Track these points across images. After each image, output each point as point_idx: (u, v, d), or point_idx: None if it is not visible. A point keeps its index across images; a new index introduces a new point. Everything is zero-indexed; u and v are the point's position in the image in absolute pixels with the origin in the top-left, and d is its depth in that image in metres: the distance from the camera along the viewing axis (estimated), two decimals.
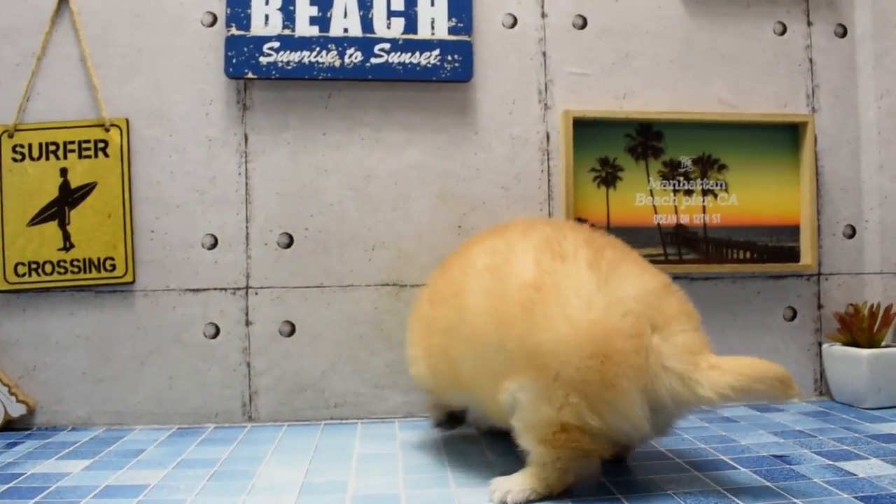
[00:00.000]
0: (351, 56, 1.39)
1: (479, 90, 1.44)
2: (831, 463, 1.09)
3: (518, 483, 0.95)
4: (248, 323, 1.39)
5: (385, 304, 1.40)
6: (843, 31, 1.56)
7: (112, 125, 1.37)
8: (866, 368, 1.40)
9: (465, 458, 1.15)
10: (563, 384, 0.90)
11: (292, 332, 1.39)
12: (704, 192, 1.48)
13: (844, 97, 1.55)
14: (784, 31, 1.53)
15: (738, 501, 0.93)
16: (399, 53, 1.40)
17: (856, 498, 0.94)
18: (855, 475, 1.03)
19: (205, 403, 1.38)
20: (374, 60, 1.39)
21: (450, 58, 1.40)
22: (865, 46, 1.56)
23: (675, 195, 1.47)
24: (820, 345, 1.52)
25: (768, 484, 1.00)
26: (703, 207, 1.48)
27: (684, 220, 1.47)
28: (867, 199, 1.55)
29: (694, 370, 0.88)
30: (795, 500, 0.93)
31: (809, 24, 1.54)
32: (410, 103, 1.42)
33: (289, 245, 1.40)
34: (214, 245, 1.38)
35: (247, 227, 1.39)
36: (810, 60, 1.54)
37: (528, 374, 0.92)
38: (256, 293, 1.39)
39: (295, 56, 1.38)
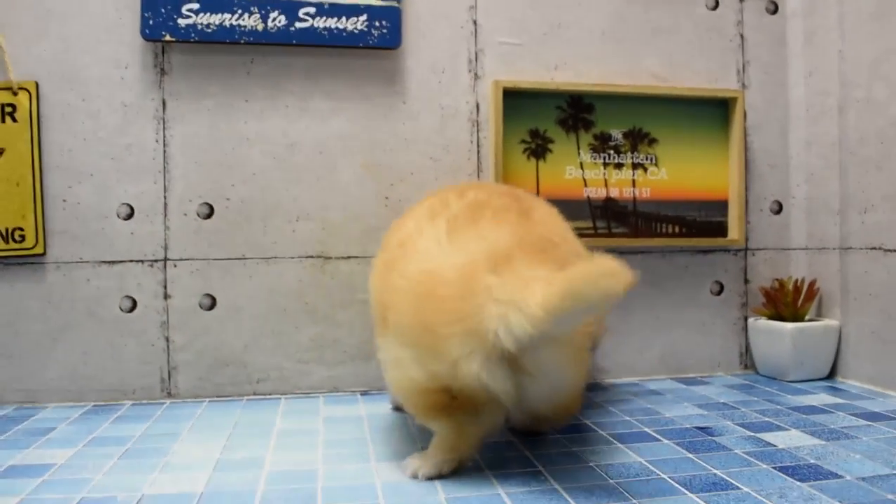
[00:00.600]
0: (274, 20, 1.34)
1: (408, 58, 1.40)
2: (752, 434, 1.09)
3: (428, 457, 0.93)
4: (166, 296, 1.34)
5: (309, 277, 1.37)
6: (774, 8, 1.56)
7: (20, 88, 1.30)
8: (789, 342, 1.41)
9: (390, 433, 1.12)
10: (398, 338, 0.90)
11: (213, 305, 1.35)
12: (634, 166, 1.47)
13: (774, 74, 1.55)
14: (716, 7, 1.52)
15: (659, 472, 0.92)
16: (325, 18, 1.35)
17: (774, 468, 0.94)
18: (775, 446, 1.03)
19: (121, 380, 1.33)
20: (298, 25, 1.34)
21: (378, 24, 1.36)
22: (796, 24, 1.56)
23: (605, 168, 1.46)
24: (746, 319, 1.53)
25: (690, 455, 0.99)
26: (633, 181, 1.47)
27: (614, 193, 1.46)
28: (794, 175, 1.56)
29: (523, 292, 0.79)
30: (716, 471, 0.93)
31: (741, 0, 1.54)
32: (337, 70, 1.38)
33: (209, 216, 1.35)
34: (131, 215, 1.33)
35: (165, 197, 1.34)
36: (741, 36, 1.54)
37: (378, 332, 0.95)
38: (175, 265, 1.34)
39: (215, 18, 1.33)
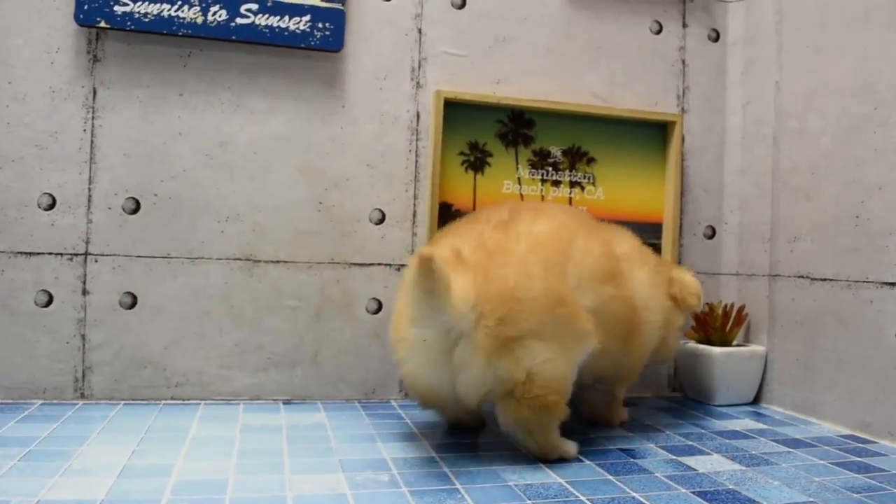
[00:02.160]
0: (215, 14, 1.31)
1: (350, 62, 1.38)
2: (674, 458, 1.09)
3: None
4: (85, 292, 1.29)
5: (236, 280, 1.33)
6: (716, 36, 1.58)
7: None
8: (717, 366, 1.42)
9: (308, 444, 1.09)
10: None
11: (134, 304, 1.30)
12: (572, 184, 1.47)
13: (713, 100, 1.57)
14: (660, 31, 1.54)
15: (577, 493, 0.91)
16: (267, 16, 1.32)
17: (693, 493, 0.93)
18: (695, 470, 1.03)
19: (32, 377, 1.27)
20: (239, 20, 1.31)
21: (321, 25, 1.34)
22: (736, 53, 1.58)
23: (542, 185, 1.45)
24: None
25: (610, 477, 0.98)
26: (570, 199, 1.46)
27: None
28: (728, 201, 1.58)
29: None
30: (634, 494, 0.92)
31: (685, 25, 1.56)
32: (276, 69, 1.35)
33: (135, 211, 1.30)
34: (52, 206, 1.27)
35: (89, 189, 1.29)
36: (683, 62, 1.55)
37: None
38: (96, 260, 1.29)
39: (154, 8, 1.29)
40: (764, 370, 1.47)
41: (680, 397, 1.53)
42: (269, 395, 1.34)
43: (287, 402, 1.34)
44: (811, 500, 0.92)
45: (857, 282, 1.27)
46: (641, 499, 0.90)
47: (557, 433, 1.05)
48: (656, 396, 1.52)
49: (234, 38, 1.31)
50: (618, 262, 1.15)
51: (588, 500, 0.89)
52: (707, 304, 1.50)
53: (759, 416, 1.38)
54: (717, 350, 1.42)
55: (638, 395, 1.51)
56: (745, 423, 1.31)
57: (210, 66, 1.33)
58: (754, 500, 0.91)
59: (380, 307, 1.38)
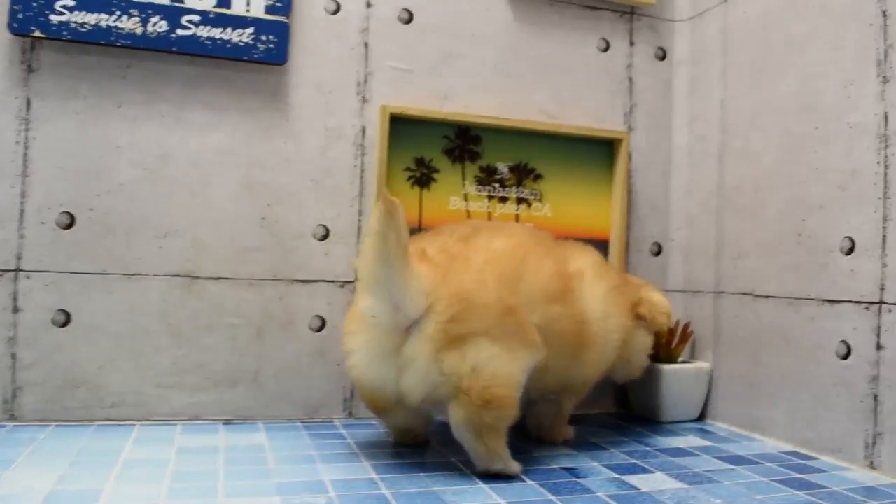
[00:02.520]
0: (155, 24, 1.28)
1: (294, 75, 1.36)
2: (618, 476, 1.08)
3: None
4: (15, 310, 1.24)
5: (175, 297, 1.29)
6: (662, 55, 1.59)
7: None
8: (663, 383, 1.42)
9: (245, 466, 1.06)
10: None
11: (67, 322, 1.26)
12: (519, 201, 1.46)
13: (660, 119, 1.58)
14: (607, 48, 1.54)
15: None
16: (209, 27, 1.30)
17: None
18: (638, 489, 1.02)
19: None
20: (180, 32, 1.29)
21: (264, 38, 1.32)
22: (682, 72, 1.60)
23: (489, 201, 1.44)
24: None
25: (552, 497, 0.97)
26: (517, 216, 1.46)
27: None
28: (674, 219, 1.58)
29: None
30: None
31: (632, 43, 1.56)
32: (218, 82, 1.32)
33: (69, 226, 1.26)
34: None
35: (21, 203, 1.25)
36: (630, 80, 1.56)
37: None
38: (28, 277, 1.25)
39: (91, 18, 1.26)
40: (709, 387, 1.47)
41: (626, 414, 1.52)
42: (208, 415, 1.31)
43: (227, 423, 1.31)
44: None
45: (798, 299, 1.28)
46: None
47: (504, 443, 1.05)
48: (603, 413, 1.52)
49: (174, 49, 1.28)
50: (568, 281, 1.17)
51: None
52: None
53: (703, 432, 1.38)
54: (663, 367, 1.42)
55: (584, 412, 1.50)
56: (689, 441, 1.31)
57: (150, 77, 1.30)
58: None
59: (323, 325, 1.35)
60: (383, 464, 1.10)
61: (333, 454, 1.14)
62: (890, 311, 1.12)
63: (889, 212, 1.13)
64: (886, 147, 1.14)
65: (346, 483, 1.00)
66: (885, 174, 1.14)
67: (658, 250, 1.57)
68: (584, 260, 1.24)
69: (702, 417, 1.49)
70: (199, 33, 1.30)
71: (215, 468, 1.05)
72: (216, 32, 1.30)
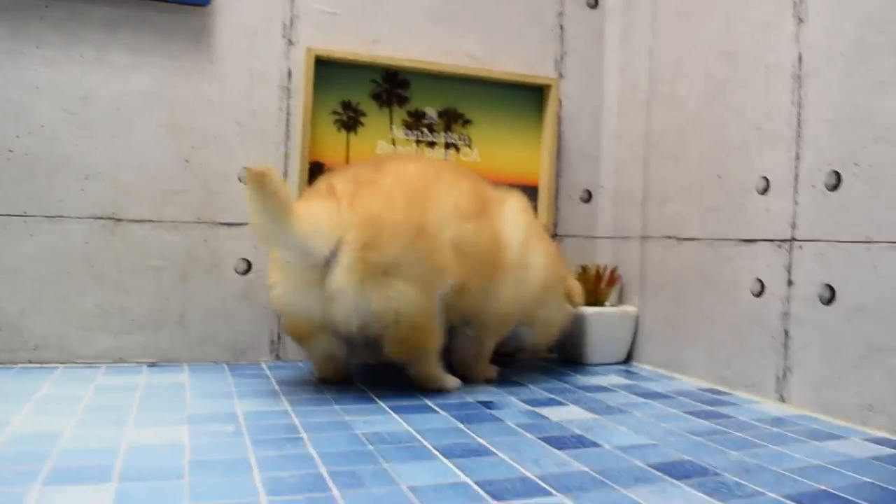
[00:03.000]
0: None
1: (218, 17, 1.35)
2: (531, 409, 1.10)
3: None
4: None
5: (98, 239, 1.29)
6: (594, 3, 1.60)
7: None
8: (589, 326, 1.44)
9: (160, 401, 1.07)
10: None
11: None
12: (447, 146, 1.47)
13: (591, 67, 1.59)
14: None
15: (423, 440, 0.91)
16: None
17: (539, 438, 0.94)
18: (548, 419, 1.04)
19: None
20: None
21: None
22: (614, 20, 1.60)
23: (417, 146, 1.45)
24: None
25: (461, 426, 0.99)
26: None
27: None
28: (604, 166, 1.60)
29: None
30: (480, 440, 0.92)
31: None
32: (140, 23, 1.31)
33: None
34: None
35: None
36: (561, 27, 1.56)
37: None
38: None
39: None
40: (636, 330, 1.49)
41: (555, 358, 1.54)
42: (133, 357, 1.31)
43: (152, 366, 1.31)
44: (652, 442, 0.94)
45: (718, 240, 1.30)
46: (486, 444, 0.91)
47: (436, 365, 1.16)
48: (532, 358, 1.54)
49: None
50: (486, 202, 1.20)
51: (432, 445, 0.89)
52: (581, 266, 1.52)
53: (627, 373, 1.40)
54: (588, 310, 1.44)
55: (513, 358, 1.52)
56: (610, 379, 1.34)
57: (69, 18, 1.28)
58: (597, 444, 0.93)
59: (249, 267, 1.36)
60: (300, 398, 1.11)
61: (252, 391, 1.15)
62: (801, 247, 1.15)
63: (801, 150, 1.15)
64: (800, 87, 1.16)
65: (257, 414, 1.01)
66: (799, 114, 1.16)
67: (588, 197, 1.59)
68: (512, 195, 1.28)
69: (628, 360, 1.51)
70: None
71: (129, 403, 1.05)
72: None
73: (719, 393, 1.25)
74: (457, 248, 1.12)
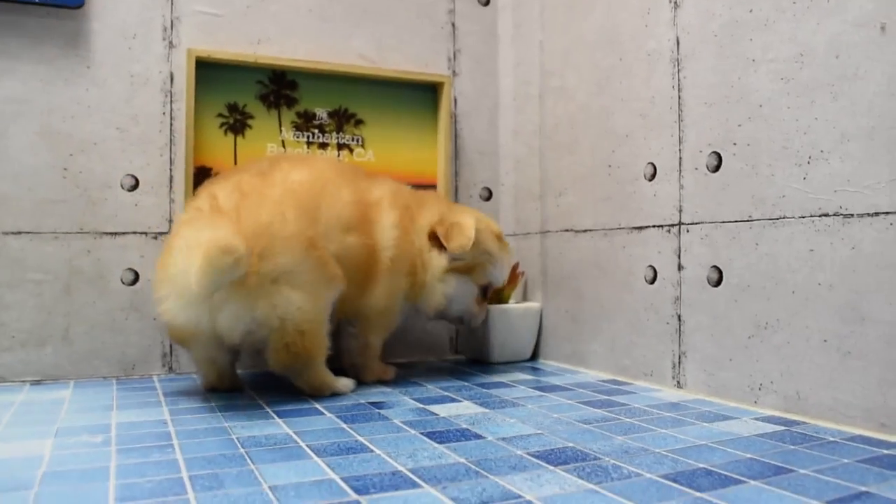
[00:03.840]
0: None
1: (95, 20, 1.30)
2: (422, 406, 1.07)
3: None
4: None
5: None
6: (486, 0, 1.59)
7: None
8: (491, 324, 1.42)
9: (32, 416, 1.02)
10: None
11: None
12: (340, 146, 1.44)
13: (485, 63, 1.58)
14: None
15: (299, 440, 0.89)
16: None
17: (421, 433, 0.92)
18: (436, 415, 1.02)
19: None
20: None
21: None
22: (506, 16, 1.60)
23: (308, 147, 1.42)
24: None
25: (343, 426, 0.96)
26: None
27: None
28: (503, 163, 1.59)
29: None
30: (359, 437, 0.90)
31: None
32: (10, 28, 1.25)
33: None
34: None
35: None
36: (453, 25, 1.56)
37: None
38: None
39: None
40: (540, 326, 1.48)
41: (462, 359, 1.53)
42: (14, 376, 1.25)
43: (36, 383, 1.25)
44: (538, 432, 0.92)
45: (611, 229, 1.30)
46: (364, 441, 0.88)
47: (324, 371, 1.13)
48: (438, 360, 1.52)
49: None
50: (367, 209, 1.18)
51: (307, 445, 0.86)
52: None
53: (531, 370, 1.39)
54: (490, 308, 1.42)
55: (419, 360, 1.50)
56: (512, 376, 1.32)
57: None
58: (480, 436, 0.91)
59: (137, 278, 1.31)
60: (183, 408, 1.07)
61: (134, 403, 1.10)
62: (688, 231, 1.15)
63: (683, 134, 1.16)
64: (679, 71, 1.17)
65: (132, 424, 0.97)
66: (679, 97, 1.17)
67: (489, 195, 1.58)
68: (383, 188, 1.24)
69: (534, 357, 1.50)
70: None
71: None
72: None
73: (619, 383, 1.24)
74: (339, 259, 1.12)
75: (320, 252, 1.09)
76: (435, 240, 1.25)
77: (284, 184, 1.11)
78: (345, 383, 1.17)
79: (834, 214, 0.93)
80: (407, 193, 1.28)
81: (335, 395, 1.15)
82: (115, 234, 1.30)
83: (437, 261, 1.26)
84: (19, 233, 1.25)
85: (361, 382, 1.24)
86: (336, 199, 1.14)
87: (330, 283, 1.10)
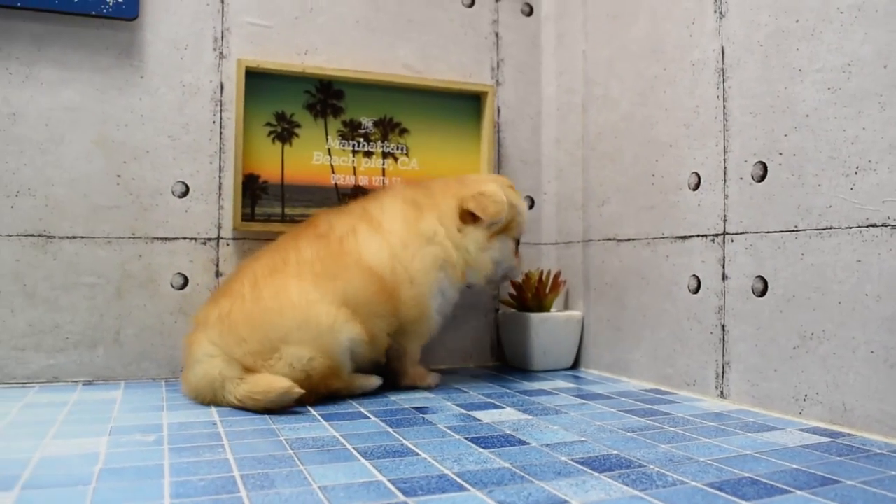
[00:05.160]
0: None
1: (148, 31, 1.34)
2: (466, 412, 1.08)
3: None
4: None
5: (29, 257, 1.27)
6: (529, 10, 1.60)
7: None
8: (533, 332, 1.43)
9: (86, 415, 1.05)
10: None
11: None
12: (385, 155, 1.46)
13: (528, 73, 1.59)
14: (472, 4, 1.55)
15: (346, 443, 0.90)
16: None
17: (466, 439, 0.93)
18: (480, 421, 1.03)
19: None
20: None
21: None
22: (549, 26, 1.61)
23: (354, 156, 1.44)
24: (497, 312, 1.55)
25: (389, 429, 0.97)
26: (383, 170, 1.46)
27: (363, 181, 1.44)
28: (546, 171, 1.60)
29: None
30: (405, 442, 0.91)
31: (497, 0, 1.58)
32: (68, 39, 1.29)
33: None
34: None
35: None
36: (497, 35, 1.57)
37: None
38: None
39: None
40: (582, 335, 1.49)
41: (502, 366, 1.53)
42: (68, 376, 1.28)
43: (88, 384, 1.28)
44: (582, 439, 0.93)
45: (654, 238, 1.30)
46: (410, 445, 0.89)
47: (349, 378, 1.18)
48: (479, 367, 1.53)
49: (19, 4, 1.25)
50: (338, 245, 1.19)
51: (354, 448, 0.88)
52: (525, 272, 1.51)
53: (573, 378, 1.39)
54: (532, 316, 1.43)
55: (461, 366, 1.51)
56: (554, 384, 1.33)
57: None
58: (524, 442, 0.91)
59: (186, 282, 1.34)
60: (232, 409, 1.09)
61: (184, 404, 1.13)
62: (732, 240, 1.15)
63: (728, 143, 1.16)
64: (724, 81, 1.17)
65: (183, 425, 0.99)
66: (724, 107, 1.17)
67: (531, 203, 1.59)
68: (347, 220, 1.24)
69: (575, 366, 1.50)
70: None
71: (54, 418, 1.03)
72: None
73: (661, 393, 1.24)
74: (347, 303, 1.16)
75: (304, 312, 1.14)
76: (469, 215, 1.25)
77: (250, 275, 1.18)
78: (368, 381, 1.22)
79: (882, 225, 0.92)
80: (406, 195, 1.28)
81: (365, 392, 1.21)
82: (166, 239, 1.33)
83: (476, 234, 1.25)
84: (74, 237, 1.29)
85: (403, 387, 1.26)
86: (304, 262, 1.18)
87: (331, 332, 1.14)
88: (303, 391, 1.06)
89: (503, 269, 1.30)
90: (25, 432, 0.94)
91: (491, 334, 1.55)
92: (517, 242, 1.32)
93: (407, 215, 1.23)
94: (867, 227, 0.94)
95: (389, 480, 0.75)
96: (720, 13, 1.18)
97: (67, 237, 1.28)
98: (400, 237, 1.21)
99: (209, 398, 1.10)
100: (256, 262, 1.19)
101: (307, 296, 1.12)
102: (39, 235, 1.27)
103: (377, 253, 1.20)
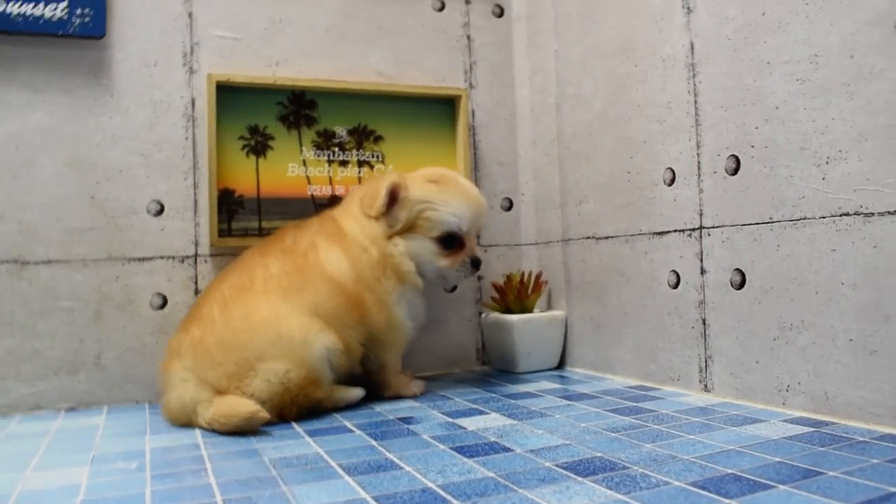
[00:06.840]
0: None
1: (116, 49, 1.33)
2: (451, 420, 1.08)
3: None
4: None
5: (4, 284, 1.25)
6: (500, 12, 1.60)
7: None
8: (516, 333, 1.43)
9: (68, 443, 1.04)
10: None
11: None
12: (360, 164, 1.45)
13: (501, 75, 1.59)
14: (442, 8, 1.55)
15: (330, 460, 0.90)
16: (20, 3, 1.26)
17: (450, 448, 0.93)
18: (465, 429, 1.03)
19: None
20: None
21: (79, 11, 1.28)
22: (520, 27, 1.61)
23: (329, 166, 1.43)
24: (480, 314, 1.55)
25: (373, 443, 0.97)
26: (360, 179, 1.45)
27: (340, 191, 1.43)
28: (523, 172, 1.60)
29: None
30: (389, 455, 0.91)
31: (468, 2, 1.57)
32: (36, 60, 1.28)
33: None
34: None
35: None
36: (468, 38, 1.57)
37: None
38: None
39: None
40: (565, 334, 1.48)
41: (488, 370, 1.53)
42: (49, 403, 1.27)
43: (70, 410, 1.27)
44: (566, 442, 0.93)
45: (633, 235, 1.30)
46: (394, 458, 0.89)
47: (330, 389, 1.17)
48: (465, 371, 1.52)
49: None
50: (307, 270, 1.18)
51: (337, 464, 0.87)
52: (505, 274, 1.51)
53: (558, 378, 1.39)
54: (514, 318, 1.43)
55: (446, 372, 1.51)
56: (539, 385, 1.32)
57: None
58: (509, 448, 0.91)
59: (165, 302, 1.33)
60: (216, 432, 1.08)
61: (167, 427, 1.12)
62: (709, 234, 1.15)
63: (701, 138, 1.16)
64: (694, 76, 1.17)
65: (166, 449, 0.98)
66: (696, 102, 1.17)
67: (509, 205, 1.59)
68: (307, 234, 1.23)
69: (561, 365, 1.50)
70: (9, 10, 1.26)
71: (36, 448, 1.01)
72: (28, 8, 1.26)
73: (646, 389, 1.24)
74: (318, 313, 1.15)
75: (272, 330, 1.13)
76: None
77: (226, 307, 1.16)
78: (349, 392, 1.21)
79: (854, 213, 0.93)
80: (334, 210, 1.29)
81: (348, 405, 1.21)
82: (143, 259, 1.32)
83: (374, 230, 1.22)
84: (49, 261, 1.28)
85: (386, 398, 1.25)
86: (269, 277, 1.17)
87: (304, 345, 1.13)
88: (268, 416, 1.05)
89: (428, 270, 1.24)
90: (6, 465, 0.93)
91: (476, 338, 1.55)
92: (448, 242, 1.23)
93: (359, 222, 1.23)
94: (840, 216, 0.94)
95: (373, 497, 0.75)
96: (688, 8, 1.18)
97: (43, 262, 1.27)
98: (355, 245, 1.21)
99: (184, 422, 1.09)
100: (223, 282, 1.17)
101: (277, 310, 1.11)
102: (14, 262, 1.26)
103: (337, 264, 1.19)
